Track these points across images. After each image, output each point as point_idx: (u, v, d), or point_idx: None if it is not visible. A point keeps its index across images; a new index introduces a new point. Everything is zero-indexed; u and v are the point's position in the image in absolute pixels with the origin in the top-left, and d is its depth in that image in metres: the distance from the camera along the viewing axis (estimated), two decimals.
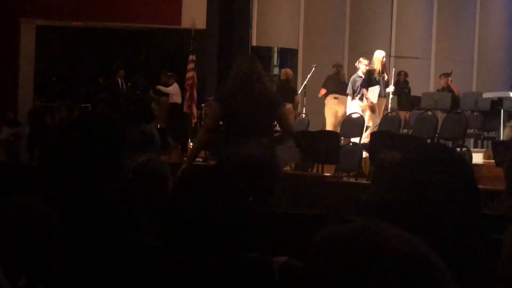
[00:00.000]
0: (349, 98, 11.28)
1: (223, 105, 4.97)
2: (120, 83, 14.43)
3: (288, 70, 13.03)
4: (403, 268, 1.01)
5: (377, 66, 10.98)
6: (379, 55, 11.11)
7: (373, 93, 10.92)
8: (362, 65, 11.31)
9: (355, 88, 11.14)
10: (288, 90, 12.15)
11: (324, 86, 11.94)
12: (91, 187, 1.94)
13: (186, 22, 14.00)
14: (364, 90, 10.94)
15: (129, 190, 2.30)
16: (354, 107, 11.06)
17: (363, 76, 11.17)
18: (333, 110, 11.62)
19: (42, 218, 1.67)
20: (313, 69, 12.77)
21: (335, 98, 11.65)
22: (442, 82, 12.39)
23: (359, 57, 14.73)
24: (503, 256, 1.44)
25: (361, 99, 11.10)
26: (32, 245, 1.66)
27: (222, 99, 5.12)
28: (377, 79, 10.93)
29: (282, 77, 13.05)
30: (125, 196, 2.08)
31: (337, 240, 1.05)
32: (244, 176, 1.99)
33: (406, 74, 13.03)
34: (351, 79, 11.32)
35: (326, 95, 11.86)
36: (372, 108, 10.99)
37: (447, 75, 12.46)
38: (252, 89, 4.93)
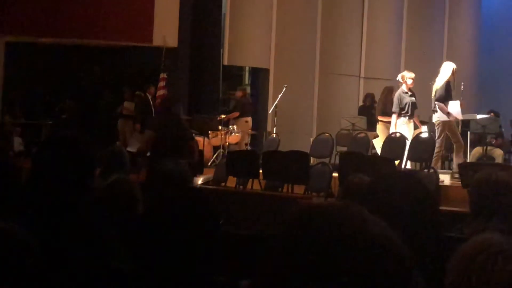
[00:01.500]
0: (394, 116, 10.37)
1: (155, 134, 7.42)
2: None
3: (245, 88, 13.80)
4: (373, 250, 1.05)
5: (449, 77, 9.96)
6: (452, 65, 10.12)
7: (455, 107, 9.84)
8: (409, 80, 10.51)
9: (403, 106, 10.32)
10: (247, 105, 13.31)
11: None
12: (61, 205, 1.94)
13: (158, 40, 13.99)
14: (440, 105, 9.80)
15: (98, 209, 2.30)
16: (401, 126, 10.26)
17: (409, 92, 10.45)
18: (385, 133, 10.83)
19: (19, 243, 1.64)
20: (284, 89, 12.87)
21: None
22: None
23: (329, 78, 14.96)
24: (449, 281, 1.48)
25: (410, 117, 10.37)
26: (8, 271, 1.62)
27: (155, 129, 7.52)
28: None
29: (240, 95, 13.84)
30: (94, 215, 2.08)
31: (316, 212, 1.09)
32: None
33: (373, 96, 13.20)
34: (397, 95, 10.47)
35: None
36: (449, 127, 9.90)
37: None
38: (174, 124, 7.53)
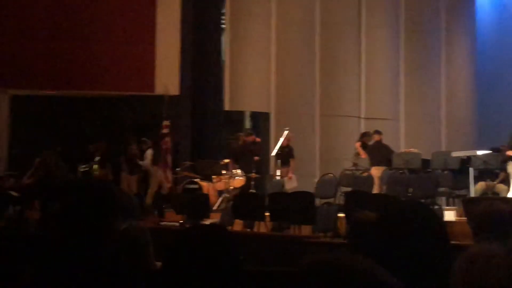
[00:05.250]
0: None
1: None
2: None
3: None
4: None
5: None
6: None
7: None
8: None
9: None
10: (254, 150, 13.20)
11: None
12: (84, 251, 2.02)
13: (160, 88, 14.19)
14: None
15: (120, 252, 2.37)
16: None
17: None
18: None
19: None
20: (286, 132, 12.99)
21: None
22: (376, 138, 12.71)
23: (330, 119, 15.12)
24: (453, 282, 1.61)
25: None
26: None
27: None
28: None
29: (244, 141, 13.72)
30: (118, 258, 2.15)
31: (326, 266, 1.18)
32: None
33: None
34: None
35: None
36: None
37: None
38: None
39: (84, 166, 14.14)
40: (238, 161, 13.34)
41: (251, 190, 12.48)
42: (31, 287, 2.09)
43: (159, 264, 4.69)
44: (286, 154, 12.86)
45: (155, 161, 13.55)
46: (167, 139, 13.67)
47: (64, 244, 2.10)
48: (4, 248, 2.48)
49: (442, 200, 12.34)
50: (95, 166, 13.91)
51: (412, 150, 12.78)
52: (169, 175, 13.68)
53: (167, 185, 13.65)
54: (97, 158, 13.97)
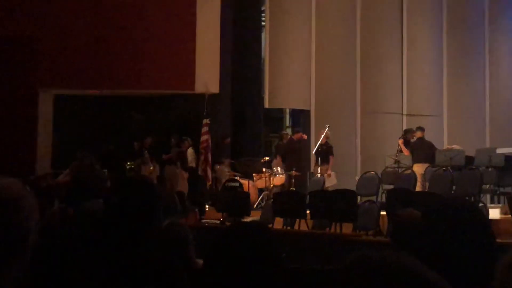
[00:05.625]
0: None
1: None
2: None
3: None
4: None
5: None
6: None
7: None
8: None
9: None
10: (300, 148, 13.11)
11: None
12: (128, 248, 2.04)
13: (200, 87, 14.27)
14: None
15: (164, 247, 2.38)
16: None
17: None
18: None
19: None
20: (326, 129, 12.92)
21: None
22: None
23: (371, 116, 15.00)
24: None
25: None
26: None
27: None
28: None
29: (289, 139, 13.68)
30: (162, 253, 2.16)
31: (370, 264, 1.16)
32: None
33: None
34: None
35: None
36: None
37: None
38: None
39: (129, 163, 14.33)
40: (285, 160, 13.28)
41: (291, 188, 12.46)
42: (77, 284, 2.11)
43: (200, 261, 4.72)
44: (325, 152, 12.80)
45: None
46: (206, 137, 13.76)
47: (108, 241, 2.11)
48: (53, 246, 2.52)
49: (487, 197, 12.13)
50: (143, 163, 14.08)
51: (455, 146, 12.59)
52: (209, 173, 13.77)
53: (208, 183, 13.74)
54: (145, 154, 14.15)
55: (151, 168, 14.14)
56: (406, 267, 1.18)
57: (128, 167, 14.22)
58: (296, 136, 13.63)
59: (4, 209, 1.44)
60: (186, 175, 13.81)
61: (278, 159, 13.45)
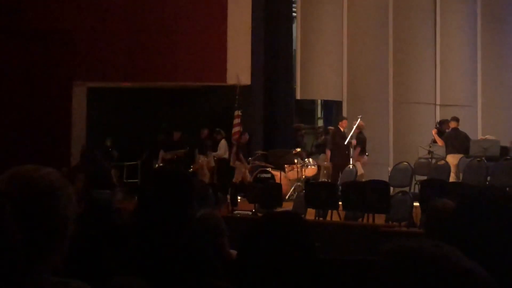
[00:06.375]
0: None
1: None
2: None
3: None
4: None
5: None
6: None
7: None
8: None
9: None
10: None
11: None
12: (164, 238, 2.07)
13: (231, 78, 14.31)
14: None
15: (199, 235, 2.41)
16: None
17: None
18: None
19: None
20: (359, 120, 12.85)
21: None
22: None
23: (404, 107, 14.83)
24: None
25: None
26: None
27: None
28: None
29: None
30: (197, 240, 2.19)
31: (411, 252, 1.16)
32: None
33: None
34: None
35: None
36: None
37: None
38: None
39: (166, 154, 14.49)
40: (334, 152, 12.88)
41: (323, 179, 12.41)
42: (113, 273, 2.15)
43: (234, 252, 4.75)
44: (358, 143, 12.71)
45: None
46: (238, 128, 13.79)
47: (143, 232, 2.14)
48: (88, 235, 2.57)
49: None
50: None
51: (488, 137, 12.42)
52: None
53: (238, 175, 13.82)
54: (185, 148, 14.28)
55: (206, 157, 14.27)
56: (444, 256, 1.17)
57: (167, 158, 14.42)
58: (342, 124, 13.01)
59: (44, 198, 1.47)
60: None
61: (327, 153, 13.16)
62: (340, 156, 12.49)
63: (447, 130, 12.50)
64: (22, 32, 13.85)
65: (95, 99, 15.10)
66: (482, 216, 1.89)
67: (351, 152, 12.58)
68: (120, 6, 14.36)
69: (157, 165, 14.07)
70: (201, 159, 14.27)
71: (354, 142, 12.48)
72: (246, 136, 14.29)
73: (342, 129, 12.80)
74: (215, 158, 14.35)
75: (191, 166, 13.90)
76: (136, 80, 14.71)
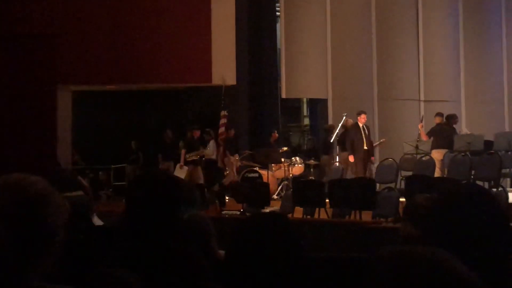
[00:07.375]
0: None
1: None
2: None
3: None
4: None
5: None
6: None
7: None
8: None
9: None
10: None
11: None
12: (152, 241, 2.09)
13: (217, 79, 14.32)
14: None
15: (187, 238, 2.44)
16: None
17: None
18: None
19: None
20: (344, 117, 12.91)
21: None
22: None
23: (388, 103, 14.91)
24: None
25: None
26: None
27: None
28: None
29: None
30: (185, 243, 2.22)
31: (403, 258, 1.19)
32: None
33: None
34: None
35: None
36: None
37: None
38: None
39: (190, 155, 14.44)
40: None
41: (310, 177, 12.47)
42: (102, 278, 2.17)
43: (222, 252, 4.77)
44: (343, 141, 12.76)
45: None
46: (223, 129, 13.82)
47: (130, 234, 2.17)
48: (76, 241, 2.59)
49: (507, 181, 12.06)
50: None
51: (466, 130, 12.48)
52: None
53: (225, 174, 13.84)
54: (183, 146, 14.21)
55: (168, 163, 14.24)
56: (439, 261, 1.20)
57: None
58: (361, 119, 12.47)
59: (32, 205, 1.50)
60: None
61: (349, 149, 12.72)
62: (361, 150, 12.22)
63: (454, 126, 12.54)
64: (5, 36, 13.79)
65: (81, 101, 15.06)
66: (456, 208, 1.91)
67: (337, 150, 12.66)
68: (102, 8, 14.32)
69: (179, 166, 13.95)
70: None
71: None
72: (232, 131, 14.33)
73: (361, 124, 12.39)
74: (204, 158, 14.36)
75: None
76: (120, 83, 14.68)
